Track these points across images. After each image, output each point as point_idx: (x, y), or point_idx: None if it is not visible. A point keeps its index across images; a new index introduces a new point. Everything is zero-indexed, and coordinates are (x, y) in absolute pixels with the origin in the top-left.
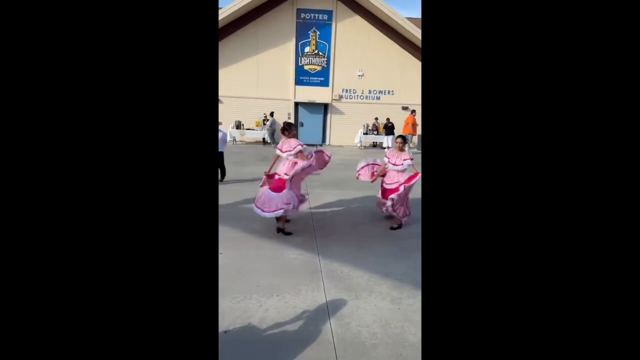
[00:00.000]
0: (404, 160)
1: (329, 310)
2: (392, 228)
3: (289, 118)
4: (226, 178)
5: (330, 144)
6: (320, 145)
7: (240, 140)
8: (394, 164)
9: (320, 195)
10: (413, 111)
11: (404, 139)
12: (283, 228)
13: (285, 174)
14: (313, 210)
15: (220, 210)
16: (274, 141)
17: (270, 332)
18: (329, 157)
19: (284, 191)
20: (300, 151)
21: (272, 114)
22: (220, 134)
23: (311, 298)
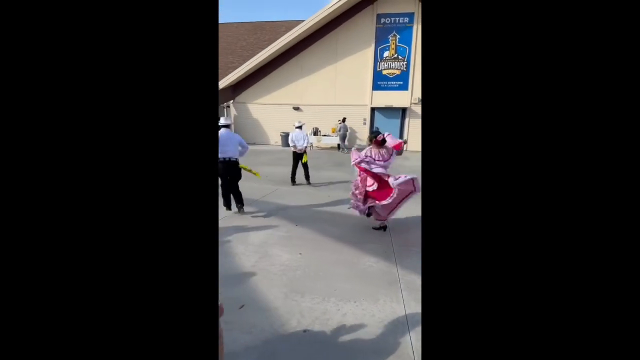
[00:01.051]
0: None
1: (408, 323)
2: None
3: (364, 123)
4: (300, 182)
5: (408, 149)
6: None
7: (317, 146)
8: None
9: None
10: None
11: None
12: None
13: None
14: (390, 217)
15: (297, 211)
16: (345, 146)
17: (347, 337)
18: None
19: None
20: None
21: (343, 120)
22: (300, 134)
23: (390, 308)
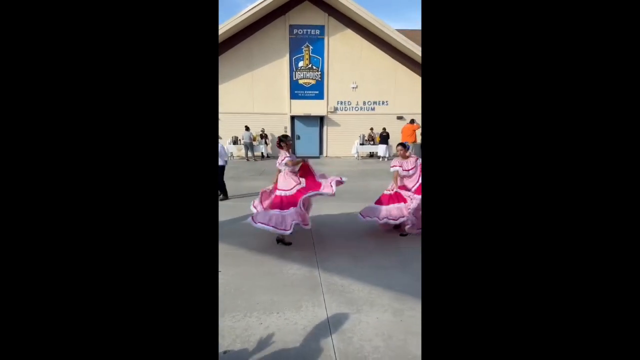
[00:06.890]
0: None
1: (330, 325)
2: (402, 234)
3: (285, 131)
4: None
5: (328, 155)
6: (318, 157)
7: (237, 156)
8: (406, 170)
9: (319, 207)
10: (412, 120)
11: (403, 145)
12: (282, 238)
13: (280, 189)
14: (312, 223)
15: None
16: (253, 155)
17: (271, 350)
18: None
19: (293, 209)
20: (288, 162)
21: (247, 128)
22: (219, 148)
23: (312, 314)
